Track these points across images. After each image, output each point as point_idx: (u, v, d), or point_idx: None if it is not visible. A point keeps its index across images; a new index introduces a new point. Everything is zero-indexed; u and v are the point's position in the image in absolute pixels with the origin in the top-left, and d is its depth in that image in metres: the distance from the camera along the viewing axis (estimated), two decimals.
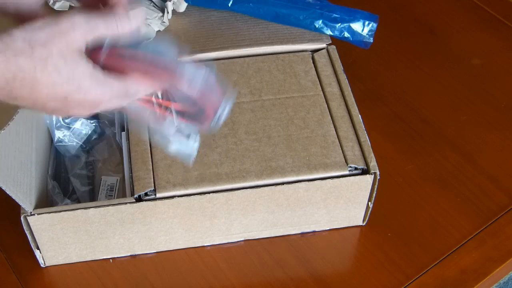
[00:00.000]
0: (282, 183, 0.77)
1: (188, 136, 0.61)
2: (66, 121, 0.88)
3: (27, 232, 0.76)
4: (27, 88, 0.52)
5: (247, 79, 0.87)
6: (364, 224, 0.85)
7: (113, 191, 0.84)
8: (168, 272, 0.81)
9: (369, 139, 0.80)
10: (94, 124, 0.90)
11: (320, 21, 0.90)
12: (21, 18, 0.58)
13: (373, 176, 0.78)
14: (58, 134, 0.87)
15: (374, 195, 0.80)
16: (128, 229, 0.78)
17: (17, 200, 0.72)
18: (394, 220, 0.85)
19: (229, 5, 0.92)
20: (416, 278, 0.80)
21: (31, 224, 0.75)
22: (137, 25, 0.56)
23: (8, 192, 0.70)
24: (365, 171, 0.78)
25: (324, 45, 0.91)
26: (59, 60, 0.52)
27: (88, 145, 0.89)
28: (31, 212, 0.74)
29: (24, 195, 0.73)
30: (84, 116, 0.56)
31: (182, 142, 0.61)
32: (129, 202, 0.75)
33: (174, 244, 0.82)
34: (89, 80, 0.54)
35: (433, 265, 0.82)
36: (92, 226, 0.77)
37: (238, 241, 0.83)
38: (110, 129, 0.89)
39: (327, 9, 0.90)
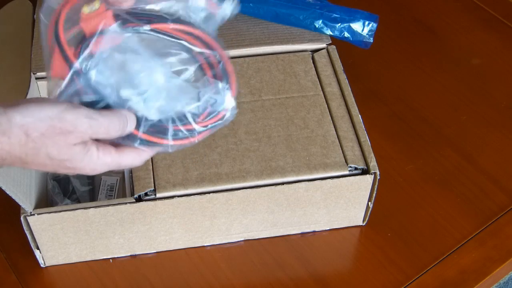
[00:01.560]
0: (282, 183, 0.77)
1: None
2: None
3: (27, 232, 0.76)
4: (17, 165, 0.54)
5: (247, 79, 0.87)
6: (364, 224, 0.85)
7: (113, 191, 0.85)
8: (168, 272, 0.81)
9: (369, 139, 0.80)
10: None
11: (320, 21, 0.90)
12: None
13: (373, 176, 0.78)
14: None
15: (374, 195, 0.80)
16: (128, 229, 0.78)
17: (17, 200, 0.72)
18: (394, 220, 0.85)
19: None
20: (416, 278, 0.80)
21: (31, 224, 0.75)
22: (131, 130, 0.58)
23: (8, 192, 0.70)
24: (365, 171, 0.78)
25: (324, 45, 0.91)
26: (52, 150, 0.54)
27: None
28: (31, 212, 0.74)
29: (24, 195, 0.73)
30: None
31: None
32: (129, 202, 0.75)
33: (174, 244, 0.82)
34: (81, 162, 0.56)
35: (433, 265, 0.82)
36: (92, 226, 0.77)
37: (238, 241, 0.83)
38: None
39: (327, 9, 0.90)
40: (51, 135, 0.53)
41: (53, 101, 0.55)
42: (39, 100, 0.54)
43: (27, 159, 0.54)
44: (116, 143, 0.58)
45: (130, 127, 0.57)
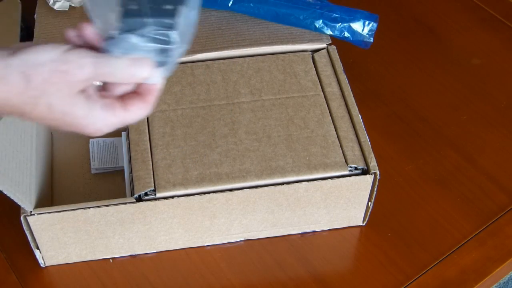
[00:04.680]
0: (282, 183, 0.77)
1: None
2: None
3: (27, 232, 0.76)
4: (15, 115, 0.51)
5: (247, 79, 0.87)
6: (364, 224, 0.85)
7: None
8: (168, 272, 0.81)
9: (369, 139, 0.80)
10: None
11: (320, 21, 0.90)
12: None
13: (373, 176, 0.78)
14: None
15: (374, 195, 0.80)
16: (128, 229, 0.78)
17: (16, 200, 0.72)
18: (394, 220, 0.85)
19: (229, 5, 0.92)
20: (416, 278, 0.80)
21: (31, 224, 0.75)
22: (142, 78, 0.54)
23: (6, 193, 0.70)
24: (365, 171, 0.78)
25: (324, 45, 0.91)
26: (54, 99, 0.50)
27: None
28: (31, 212, 0.74)
29: (23, 195, 0.73)
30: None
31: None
32: (129, 202, 0.75)
33: (174, 244, 0.82)
34: (84, 119, 0.53)
35: (433, 265, 0.82)
36: (92, 226, 0.77)
37: (238, 241, 0.83)
38: None
39: (327, 9, 0.90)
40: (54, 80, 0.49)
41: (54, 44, 0.51)
42: (38, 45, 0.50)
43: (25, 108, 0.50)
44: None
45: (143, 73, 0.53)
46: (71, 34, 0.55)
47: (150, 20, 0.54)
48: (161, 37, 0.54)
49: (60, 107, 0.51)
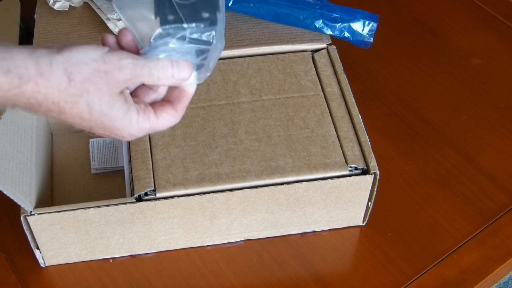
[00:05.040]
0: (282, 183, 0.77)
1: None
2: None
3: (27, 232, 0.76)
4: (53, 114, 0.51)
5: (247, 79, 0.87)
6: (364, 224, 0.85)
7: None
8: (168, 272, 0.81)
9: (369, 139, 0.80)
10: None
11: (320, 21, 0.90)
12: None
13: (373, 176, 0.78)
14: None
15: (374, 195, 0.80)
16: (128, 229, 0.78)
17: (16, 200, 0.72)
18: (394, 220, 0.85)
19: (229, 5, 0.92)
20: (416, 278, 0.80)
21: (31, 224, 0.75)
22: (181, 79, 0.55)
23: (5, 193, 0.70)
24: (365, 171, 0.78)
25: (324, 45, 0.91)
26: (93, 98, 0.51)
27: None
28: (31, 212, 0.74)
29: (23, 195, 0.73)
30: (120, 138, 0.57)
31: None
32: (129, 202, 0.75)
33: (174, 244, 0.82)
34: (120, 121, 0.53)
35: (433, 265, 0.82)
36: (92, 226, 0.77)
37: (238, 241, 0.83)
38: None
39: (327, 9, 0.90)
40: (94, 79, 0.50)
41: (97, 45, 0.52)
42: (81, 44, 0.51)
43: (65, 107, 0.50)
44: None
45: (183, 74, 0.55)
46: (110, 40, 0.56)
47: (187, 25, 0.55)
48: (199, 38, 0.56)
49: (99, 106, 0.52)
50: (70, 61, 0.50)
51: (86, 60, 0.50)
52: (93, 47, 0.52)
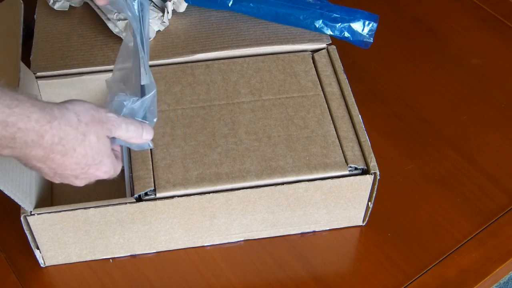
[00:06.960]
0: (282, 183, 0.77)
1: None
2: None
3: (27, 232, 0.76)
4: (62, 153, 0.61)
5: (247, 79, 0.87)
6: (364, 224, 0.85)
7: None
8: (168, 272, 0.81)
9: (369, 139, 0.80)
10: None
11: (320, 21, 0.90)
12: None
13: (373, 176, 0.78)
14: None
15: (374, 195, 0.80)
16: (128, 229, 0.78)
17: (16, 200, 0.71)
18: (394, 220, 0.85)
19: (229, 5, 0.92)
20: (416, 278, 0.80)
21: (31, 224, 0.75)
22: (148, 139, 0.69)
23: (6, 192, 0.70)
24: (365, 171, 0.78)
25: (324, 45, 0.91)
26: (93, 138, 0.62)
27: None
28: (31, 212, 0.74)
29: (23, 195, 0.73)
30: (77, 185, 0.67)
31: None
32: (129, 202, 0.75)
33: (174, 244, 0.82)
34: (107, 158, 0.65)
35: (433, 265, 0.82)
36: (92, 226, 0.77)
37: (238, 241, 0.83)
38: None
39: (327, 9, 0.90)
40: (94, 123, 0.62)
41: (86, 101, 0.65)
42: (77, 100, 0.64)
43: (75, 144, 0.61)
44: None
45: (147, 135, 0.68)
46: None
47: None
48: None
49: (97, 144, 0.63)
50: (74, 108, 0.62)
51: (85, 107, 0.63)
52: (85, 101, 0.64)
